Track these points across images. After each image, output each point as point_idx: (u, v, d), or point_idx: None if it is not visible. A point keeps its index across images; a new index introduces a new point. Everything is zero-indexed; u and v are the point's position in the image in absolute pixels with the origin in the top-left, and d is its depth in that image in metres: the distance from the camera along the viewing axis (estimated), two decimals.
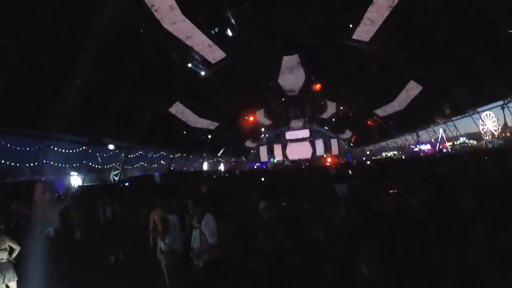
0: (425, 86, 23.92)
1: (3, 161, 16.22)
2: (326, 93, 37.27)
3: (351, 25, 20.77)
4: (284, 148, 53.51)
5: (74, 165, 20.35)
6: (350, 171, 14.68)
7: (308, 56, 28.05)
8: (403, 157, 33.21)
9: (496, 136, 23.07)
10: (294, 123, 50.50)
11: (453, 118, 27.67)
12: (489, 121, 23.48)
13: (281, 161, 51.66)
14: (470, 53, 17.97)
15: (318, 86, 34.37)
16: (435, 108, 25.27)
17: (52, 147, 17.38)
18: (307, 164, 44.05)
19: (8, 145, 16.01)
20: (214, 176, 23.64)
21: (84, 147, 20.17)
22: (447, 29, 17.20)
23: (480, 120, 24.31)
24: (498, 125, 22.64)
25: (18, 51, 12.79)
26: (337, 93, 36.59)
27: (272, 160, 51.59)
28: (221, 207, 6.29)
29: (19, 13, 11.79)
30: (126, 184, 19.58)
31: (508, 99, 20.48)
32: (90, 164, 21.17)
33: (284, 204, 6.57)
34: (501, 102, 21.18)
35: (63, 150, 18.67)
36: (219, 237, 5.14)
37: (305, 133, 52.46)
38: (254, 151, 54.29)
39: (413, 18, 17.03)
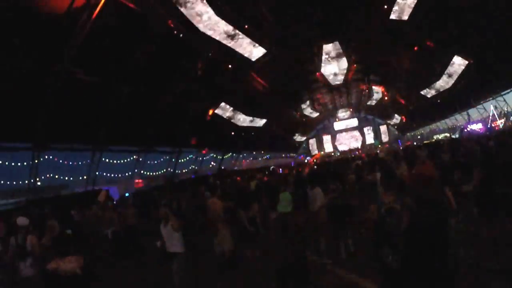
0: (471, 60, 22.85)
1: (57, 176, 18.30)
2: (370, 77, 36.30)
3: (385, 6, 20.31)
4: (333, 139, 53.17)
5: (126, 173, 21.92)
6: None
7: (349, 40, 27.35)
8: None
9: None
10: (341, 113, 49.94)
11: (503, 92, 25.96)
12: None
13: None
14: None
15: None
16: (483, 83, 23.99)
17: (103, 159, 18.93)
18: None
19: (61, 161, 17.88)
20: None
21: (134, 156, 21.60)
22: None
23: None
24: None
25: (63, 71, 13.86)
26: (382, 76, 35.60)
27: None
28: None
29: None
30: None
31: None
32: (142, 171, 22.67)
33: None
34: None
35: (115, 161, 20.32)
36: None
37: (354, 122, 51.81)
38: (304, 145, 54.50)
39: None
